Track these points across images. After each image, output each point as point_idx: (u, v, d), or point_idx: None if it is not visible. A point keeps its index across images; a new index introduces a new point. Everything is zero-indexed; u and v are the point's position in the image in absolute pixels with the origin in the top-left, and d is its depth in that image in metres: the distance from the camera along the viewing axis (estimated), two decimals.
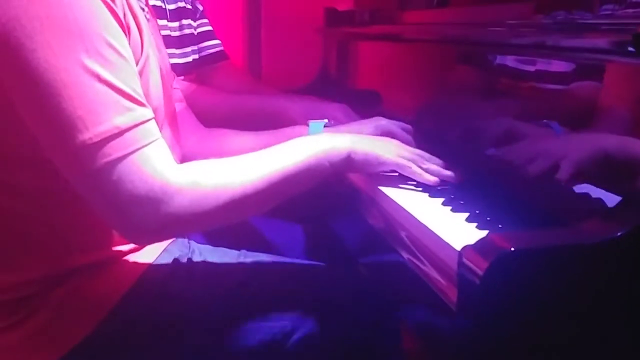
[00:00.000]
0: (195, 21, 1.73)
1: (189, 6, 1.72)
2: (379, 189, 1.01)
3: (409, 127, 1.16)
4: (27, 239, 0.93)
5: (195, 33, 1.73)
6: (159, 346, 0.95)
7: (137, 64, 0.89)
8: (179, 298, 0.98)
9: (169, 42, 1.61)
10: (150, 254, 1.01)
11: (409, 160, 1.00)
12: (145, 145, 0.82)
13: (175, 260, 1.03)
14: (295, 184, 0.93)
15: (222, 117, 1.48)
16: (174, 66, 1.59)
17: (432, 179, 0.99)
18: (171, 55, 1.61)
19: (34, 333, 0.91)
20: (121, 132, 0.80)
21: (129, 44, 0.87)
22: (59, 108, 0.78)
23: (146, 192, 0.81)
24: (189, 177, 0.85)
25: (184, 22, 1.69)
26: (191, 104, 1.32)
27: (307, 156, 0.93)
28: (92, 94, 0.79)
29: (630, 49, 0.70)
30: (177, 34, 1.67)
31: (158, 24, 1.23)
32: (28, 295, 0.92)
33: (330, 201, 1.26)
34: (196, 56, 1.74)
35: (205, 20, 1.77)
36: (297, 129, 1.22)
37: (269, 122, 1.45)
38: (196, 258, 1.06)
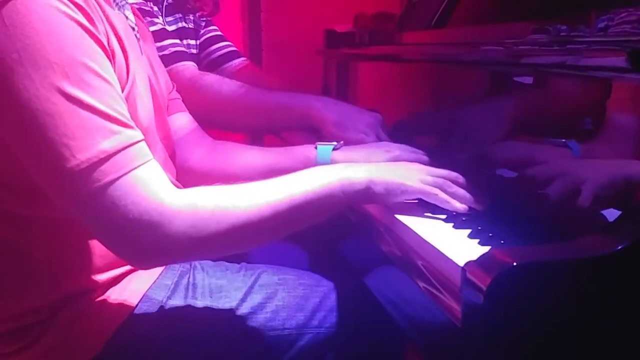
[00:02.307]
0: (197, 38, 1.74)
1: (190, 25, 1.73)
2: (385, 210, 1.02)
3: (419, 151, 1.13)
4: (29, 266, 0.93)
5: (196, 52, 1.74)
6: None
7: (123, 89, 0.88)
8: (182, 316, 0.98)
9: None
10: (152, 272, 1.02)
11: (434, 186, 0.94)
12: (136, 168, 0.81)
13: (179, 277, 1.03)
14: (304, 214, 0.89)
15: (252, 112, 1.44)
16: None
17: (460, 207, 0.93)
18: None
19: (42, 356, 0.92)
20: (109, 156, 0.79)
21: (114, 68, 0.86)
22: (45, 137, 0.77)
23: (140, 215, 0.79)
24: (187, 199, 0.83)
25: (184, 42, 1.70)
26: (221, 97, 1.30)
27: (318, 185, 0.89)
28: (76, 120, 0.78)
29: (626, 66, 0.71)
30: None
31: (154, 43, 1.23)
32: (34, 322, 0.93)
33: (339, 223, 1.26)
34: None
35: (213, 28, 1.76)
36: (305, 149, 1.19)
37: (298, 121, 1.42)
38: (198, 273, 1.06)
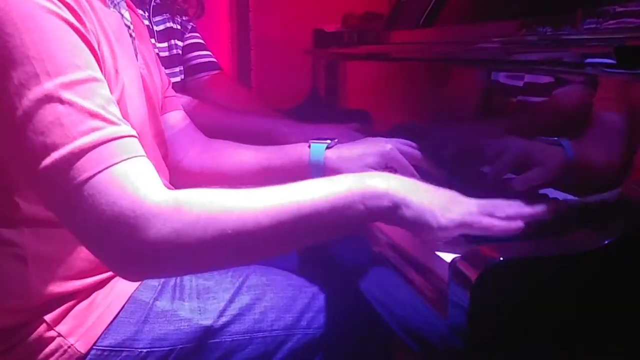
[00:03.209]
0: (182, 40, 1.75)
1: (177, 26, 1.73)
2: None
3: (412, 144, 1.07)
4: (12, 269, 0.91)
5: (181, 51, 1.74)
6: None
7: (112, 92, 0.84)
8: (170, 316, 0.98)
9: None
10: None
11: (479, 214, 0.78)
12: (116, 164, 0.75)
13: (166, 278, 1.03)
14: (313, 227, 0.76)
15: (218, 134, 1.47)
16: None
17: (515, 225, 0.77)
18: None
19: (30, 355, 0.91)
20: (83, 152, 0.74)
21: (102, 69, 0.84)
22: (23, 136, 0.75)
23: (114, 216, 0.72)
24: (173, 199, 0.74)
25: (172, 42, 1.70)
26: (191, 118, 1.31)
27: (333, 193, 0.76)
28: (52, 117, 0.74)
29: (612, 61, 0.71)
30: (165, 54, 1.69)
31: (149, 40, 1.22)
32: (17, 325, 0.91)
33: None
34: (183, 76, 1.75)
35: (195, 35, 1.77)
36: (298, 146, 1.14)
37: (265, 143, 1.44)
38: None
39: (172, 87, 1.66)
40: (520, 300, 0.66)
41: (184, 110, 1.28)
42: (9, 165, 0.81)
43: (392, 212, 0.76)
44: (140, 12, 1.60)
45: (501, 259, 0.65)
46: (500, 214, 0.78)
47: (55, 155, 0.74)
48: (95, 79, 0.79)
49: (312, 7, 2.19)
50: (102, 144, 0.75)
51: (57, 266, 0.92)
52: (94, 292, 0.95)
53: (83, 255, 0.92)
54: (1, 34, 0.75)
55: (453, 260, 0.69)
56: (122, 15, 1.00)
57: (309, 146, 1.13)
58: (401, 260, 0.87)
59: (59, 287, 0.92)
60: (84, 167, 0.73)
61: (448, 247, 0.79)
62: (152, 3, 1.65)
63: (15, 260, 0.91)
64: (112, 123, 0.77)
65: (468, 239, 0.81)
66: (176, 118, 1.22)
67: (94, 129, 0.75)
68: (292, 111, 1.80)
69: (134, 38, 1.02)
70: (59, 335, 0.91)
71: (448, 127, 1.19)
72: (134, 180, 0.74)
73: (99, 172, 0.74)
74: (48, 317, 0.91)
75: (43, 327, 0.91)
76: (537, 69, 0.94)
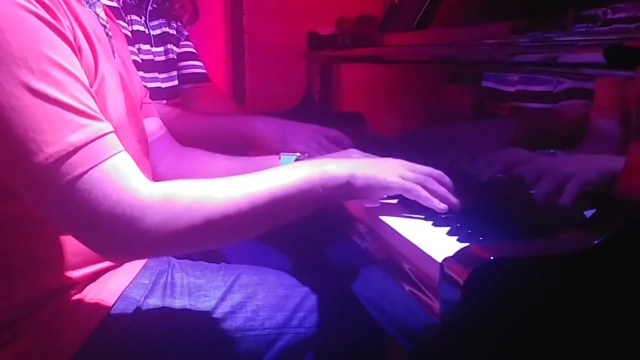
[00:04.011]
0: (178, 46, 1.75)
1: (172, 31, 1.74)
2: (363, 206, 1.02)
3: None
4: (2, 265, 0.92)
5: (176, 57, 1.75)
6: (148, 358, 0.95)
7: (92, 85, 0.87)
8: (161, 315, 0.98)
9: (153, 66, 1.63)
10: (130, 271, 1.01)
11: (416, 182, 0.92)
12: (106, 159, 0.79)
13: (157, 276, 1.03)
14: (283, 208, 0.87)
15: (199, 139, 1.49)
16: (158, 90, 1.61)
17: (440, 205, 0.91)
18: (155, 79, 1.62)
19: (21, 354, 0.91)
20: (77, 149, 0.78)
21: (81, 63, 0.85)
22: (12, 133, 0.77)
23: (112, 207, 0.78)
24: (162, 191, 0.81)
25: (168, 47, 1.71)
26: (170, 125, 1.32)
27: (298, 179, 0.87)
28: (42, 114, 0.77)
29: (601, 61, 0.72)
30: (162, 58, 1.69)
31: (126, 43, 1.23)
32: (12, 319, 0.92)
33: (322, 225, 1.26)
34: (177, 81, 1.76)
35: (189, 43, 1.79)
36: (269, 158, 1.20)
37: (241, 142, 1.47)
38: (177, 273, 1.05)
39: (169, 91, 1.68)
40: (511, 299, 0.66)
41: (170, 114, 1.29)
42: None
43: (345, 187, 0.90)
44: (136, 17, 1.61)
45: (491, 258, 0.65)
46: (430, 185, 0.93)
47: (48, 152, 0.76)
48: (76, 77, 0.81)
49: (307, 10, 2.20)
50: (92, 141, 0.79)
51: (45, 261, 0.93)
52: (84, 287, 0.95)
53: (70, 249, 0.93)
54: None
55: (444, 259, 0.69)
56: (97, 14, 1.01)
57: (279, 158, 1.19)
58: (391, 259, 0.87)
59: (46, 283, 0.92)
60: (78, 163, 0.77)
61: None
62: (149, 8, 1.65)
63: (1, 258, 0.91)
64: (97, 119, 0.81)
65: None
66: (152, 125, 1.22)
67: (82, 126, 0.79)
68: (287, 113, 1.80)
69: (110, 37, 1.03)
70: (50, 332, 0.91)
71: (441, 129, 1.19)
72: (124, 174, 0.80)
73: (92, 167, 0.78)
74: (38, 317, 0.91)
75: (35, 323, 0.91)
76: (531, 70, 0.95)
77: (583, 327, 0.67)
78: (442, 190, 0.93)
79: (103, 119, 0.83)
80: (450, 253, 0.70)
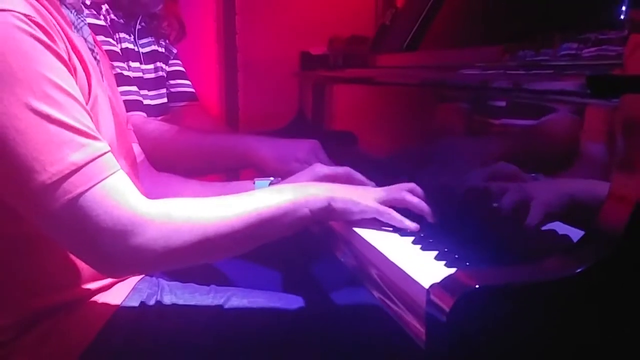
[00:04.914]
0: (167, 64, 1.76)
1: (162, 49, 1.75)
2: (352, 230, 1.02)
3: (347, 168, 1.15)
4: None
5: (166, 75, 1.76)
6: None
7: (86, 103, 0.89)
8: (151, 337, 0.97)
9: (142, 83, 1.64)
10: (119, 292, 1.01)
11: (390, 198, 1.00)
12: (106, 178, 0.82)
13: (146, 298, 1.03)
14: (272, 227, 0.92)
15: (194, 156, 1.49)
16: (147, 107, 1.61)
17: (412, 225, 0.98)
18: (144, 97, 1.63)
19: None
20: (79, 168, 0.80)
21: (77, 83, 0.87)
22: (15, 153, 0.79)
23: (113, 224, 0.81)
24: (160, 209, 0.85)
25: (158, 64, 1.72)
26: (162, 141, 1.33)
27: (285, 200, 0.93)
28: (44, 135, 0.80)
29: (587, 91, 0.72)
30: (151, 75, 1.70)
31: (112, 65, 1.24)
32: (3, 339, 0.92)
33: (308, 244, 1.27)
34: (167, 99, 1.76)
35: (178, 62, 1.80)
36: (244, 183, 1.22)
37: (238, 162, 1.47)
38: (166, 295, 1.05)
39: (158, 109, 1.69)
40: (497, 326, 0.66)
41: (167, 132, 1.29)
42: None
43: (326, 209, 0.96)
44: (125, 35, 1.62)
45: (477, 285, 0.65)
46: (406, 196, 1.00)
47: (51, 171, 0.79)
48: (75, 98, 0.84)
49: (299, 29, 2.21)
50: (92, 160, 0.82)
51: (34, 282, 0.93)
52: (73, 309, 0.95)
53: (58, 270, 0.94)
54: None
55: (430, 286, 0.70)
56: (85, 39, 1.02)
57: (254, 183, 1.21)
58: (378, 281, 0.88)
59: (34, 304, 0.93)
60: (80, 182, 0.80)
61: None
62: (137, 26, 1.67)
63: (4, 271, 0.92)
64: (96, 139, 0.84)
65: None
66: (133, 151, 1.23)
67: (82, 145, 0.82)
68: (279, 132, 1.81)
69: (98, 61, 1.04)
70: (38, 356, 0.91)
71: (432, 148, 1.20)
72: (123, 192, 0.84)
73: (93, 185, 0.81)
74: (25, 340, 0.92)
75: (22, 347, 0.91)
76: (519, 94, 0.95)
77: (570, 353, 0.67)
78: (416, 200, 1.00)
79: (101, 138, 0.85)
80: (437, 277, 0.70)
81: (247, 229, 0.89)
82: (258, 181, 1.21)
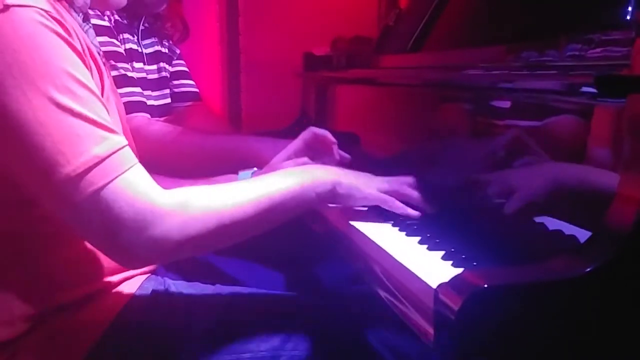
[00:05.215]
0: (171, 65, 1.77)
1: (165, 50, 1.75)
2: (358, 229, 1.03)
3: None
4: (7, 281, 0.93)
5: (169, 75, 1.76)
6: None
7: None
8: (161, 329, 0.98)
9: (146, 84, 1.64)
10: (126, 290, 1.02)
11: (392, 193, 1.04)
12: (127, 170, 0.84)
13: (154, 292, 1.03)
14: (281, 210, 0.95)
15: (196, 157, 1.50)
16: (150, 108, 1.61)
17: (414, 213, 1.02)
18: (148, 97, 1.64)
19: None
20: (101, 161, 0.82)
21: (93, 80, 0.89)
22: (40, 146, 0.80)
23: (134, 215, 0.83)
24: (178, 199, 0.87)
25: (161, 65, 1.72)
26: (165, 143, 1.33)
27: (293, 184, 0.96)
28: (68, 128, 0.81)
29: (593, 90, 0.73)
30: (154, 76, 1.70)
31: (113, 67, 1.25)
32: (11, 337, 0.92)
33: (312, 244, 1.27)
34: (170, 99, 1.77)
35: (181, 62, 1.80)
36: (229, 177, 1.23)
37: (240, 163, 1.47)
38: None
39: (161, 109, 1.69)
40: (505, 326, 0.66)
41: (169, 132, 1.33)
42: (19, 177, 0.85)
43: (331, 192, 1.00)
44: (129, 35, 1.62)
45: (486, 285, 0.65)
46: (404, 191, 1.04)
47: (76, 163, 0.81)
48: (93, 92, 0.86)
49: (302, 30, 2.22)
50: (114, 153, 0.84)
51: (41, 281, 0.94)
52: (80, 307, 0.96)
53: (66, 268, 0.94)
54: (11, 50, 0.80)
55: (438, 286, 0.70)
56: (90, 41, 1.03)
57: (238, 174, 1.24)
58: (384, 281, 0.88)
59: (46, 301, 0.93)
60: (103, 174, 0.82)
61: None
62: (141, 27, 1.67)
63: (17, 269, 0.93)
64: (114, 132, 0.86)
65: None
66: None
67: (104, 139, 0.84)
68: (281, 133, 1.81)
69: (103, 62, 1.05)
70: (43, 356, 0.92)
71: (435, 148, 1.20)
72: (142, 184, 0.86)
73: (115, 177, 0.83)
74: (32, 338, 0.92)
75: (29, 345, 0.92)
76: (524, 94, 0.96)
77: (579, 353, 0.67)
78: (415, 194, 1.04)
79: (119, 132, 0.87)
80: (444, 277, 0.70)
81: (260, 213, 0.92)
82: (241, 173, 1.23)
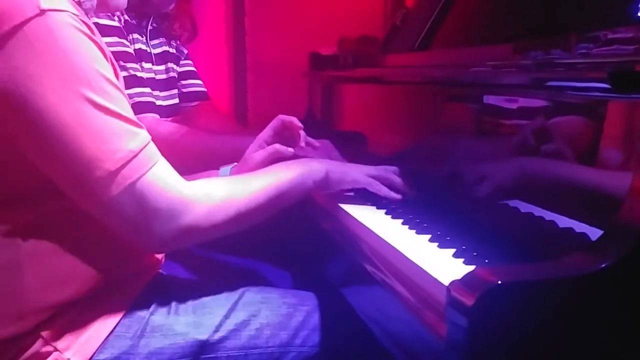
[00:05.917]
0: (178, 65, 1.77)
1: (173, 50, 1.76)
2: (368, 228, 1.02)
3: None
4: (14, 278, 0.93)
5: (177, 75, 1.76)
6: None
7: None
8: (166, 330, 1.00)
9: (154, 84, 1.64)
10: (133, 287, 1.03)
11: (377, 175, 1.16)
12: (155, 164, 0.91)
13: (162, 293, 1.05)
14: (285, 197, 1.06)
15: (202, 156, 1.50)
16: (159, 108, 1.62)
17: (396, 196, 1.14)
18: (157, 98, 1.64)
19: None
20: (135, 155, 0.88)
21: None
22: (79, 145, 0.85)
23: (167, 205, 0.90)
24: (201, 190, 0.95)
25: (169, 65, 1.72)
26: (173, 143, 1.33)
27: (294, 175, 1.07)
28: (105, 126, 0.86)
29: (606, 85, 0.72)
30: (163, 76, 1.71)
31: (121, 68, 1.27)
32: (16, 334, 0.92)
33: (320, 242, 1.27)
34: (178, 99, 1.77)
35: (189, 62, 1.81)
36: (210, 172, 1.27)
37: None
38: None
39: (170, 109, 1.69)
40: (518, 323, 0.66)
41: (176, 132, 1.41)
42: (52, 174, 0.88)
43: (324, 178, 1.12)
44: (138, 35, 1.62)
45: (499, 282, 0.65)
46: (389, 176, 1.16)
47: (114, 159, 0.87)
48: (121, 91, 0.91)
49: (308, 30, 2.22)
50: (144, 147, 0.90)
51: (52, 278, 0.94)
52: (90, 303, 0.96)
53: (78, 265, 0.95)
54: (47, 52, 0.83)
55: (451, 283, 0.69)
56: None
57: (219, 170, 1.29)
58: (393, 279, 0.87)
59: (56, 297, 0.94)
60: (138, 167, 0.89)
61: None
62: (149, 27, 1.67)
63: (11, 268, 0.92)
64: (142, 127, 0.92)
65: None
66: None
67: (135, 134, 0.90)
68: None
69: (113, 64, 1.06)
70: (56, 349, 0.92)
71: (442, 148, 1.20)
72: (170, 176, 0.93)
73: (148, 170, 0.90)
74: (44, 332, 0.92)
75: (39, 342, 0.92)
76: (531, 93, 0.95)
77: (593, 350, 0.67)
78: (398, 180, 1.16)
79: (144, 127, 0.93)
80: (456, 274, 0.70)
81: (269, 200, 1.02)
82: (222, 168, 1.28)
